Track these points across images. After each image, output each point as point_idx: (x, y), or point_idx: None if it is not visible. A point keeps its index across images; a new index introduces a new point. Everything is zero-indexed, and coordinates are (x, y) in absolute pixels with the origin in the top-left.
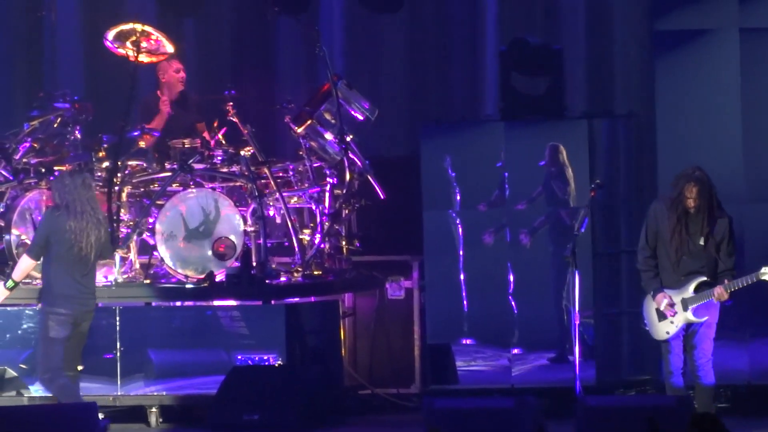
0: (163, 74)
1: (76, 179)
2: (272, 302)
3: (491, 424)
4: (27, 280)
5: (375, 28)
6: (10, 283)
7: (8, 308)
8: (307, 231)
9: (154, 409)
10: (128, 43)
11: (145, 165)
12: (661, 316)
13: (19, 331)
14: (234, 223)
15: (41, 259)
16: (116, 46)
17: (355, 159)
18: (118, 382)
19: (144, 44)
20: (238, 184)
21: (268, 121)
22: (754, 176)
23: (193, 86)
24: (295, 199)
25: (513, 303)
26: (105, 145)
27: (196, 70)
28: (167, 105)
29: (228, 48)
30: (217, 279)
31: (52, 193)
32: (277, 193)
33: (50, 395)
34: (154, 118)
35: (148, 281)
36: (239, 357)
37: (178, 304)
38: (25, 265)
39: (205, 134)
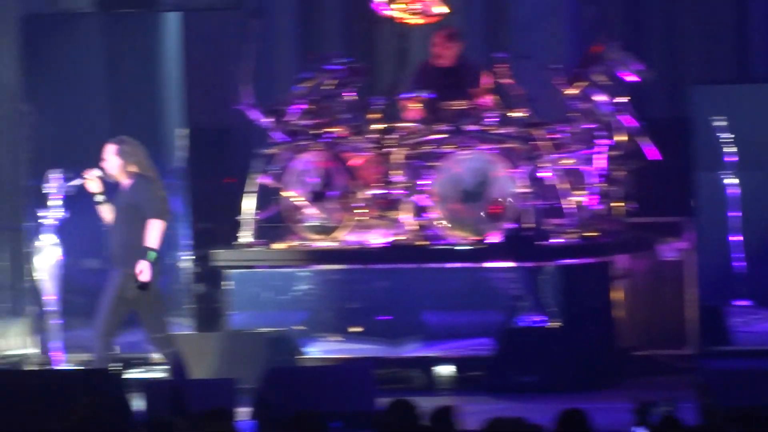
0: (441, 48)
1: None
2: (547, 264)
3: None
4: (302, 242)
5: None
6: (151, 255)
7: (283, 270)
8: (580, 193)
9: (429, 371)
10: (397, 5)
11: (419, 127)
12: None
13: (295, 293)
14: (508, 185)
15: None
16: (384, 7)
17: (628, 120)
18: (394, 344)
19: (413, 6)
20: (511, 145)
21: (540, 82)
22: None
23: (468, 47)
24: (569, 160)
25: None
26: (378, 107)
27: (475, 30)
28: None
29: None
30: (492, 241)
31: (132, 163)
32: (551, 155)
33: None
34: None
35: (422, 243)
36: (515, 319)
37: (453, 265)
38: (158, 228)
39: (481, 97)
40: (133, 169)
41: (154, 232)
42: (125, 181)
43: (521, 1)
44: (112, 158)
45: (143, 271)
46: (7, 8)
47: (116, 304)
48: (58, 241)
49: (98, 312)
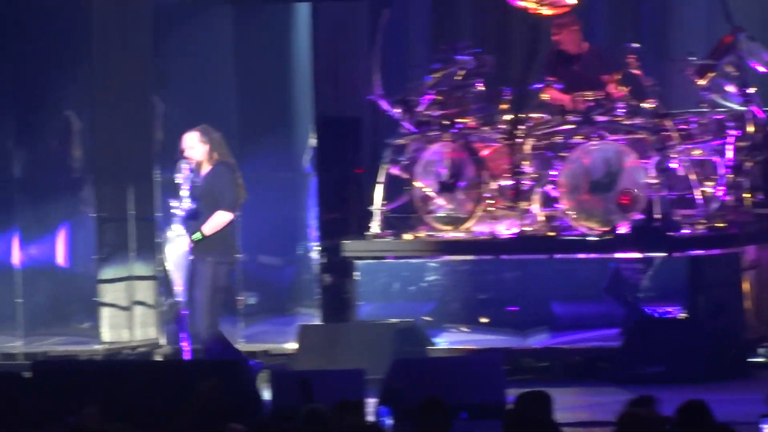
0: (558, 30)
1: None
2: (675, 254)
3: None
4: (431, 233)
5: None
6: (196, 236)
7: (412, 261)
8: (709, 183)
9: (557, 362)
10: None
11: (547, 117)
12: None
13: (423, 284)
14: (637, 176)
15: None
16: None
17: (757, 111)
18: (522, 335)
19: None
20: (640, 136)
21: (668, 73)
22: None
23: (597, 37)
24: (698, 151)
25: None
26: (507, 98)
27: (603, 21)
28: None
29: None
30: (620, 231)
31: (215, 150)
32: (680, 146)
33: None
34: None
35: (551, 233)
36: (642, 310)
37: (581, 256)
38: (223, 221)
39: (611, 87)
40: (217, 155)
41: (216, 222)
42: (207, 168)
43: None
44: (197, 145)
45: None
46: None
47: (212, 294)
48: (184, 231)
49: (196, 305)
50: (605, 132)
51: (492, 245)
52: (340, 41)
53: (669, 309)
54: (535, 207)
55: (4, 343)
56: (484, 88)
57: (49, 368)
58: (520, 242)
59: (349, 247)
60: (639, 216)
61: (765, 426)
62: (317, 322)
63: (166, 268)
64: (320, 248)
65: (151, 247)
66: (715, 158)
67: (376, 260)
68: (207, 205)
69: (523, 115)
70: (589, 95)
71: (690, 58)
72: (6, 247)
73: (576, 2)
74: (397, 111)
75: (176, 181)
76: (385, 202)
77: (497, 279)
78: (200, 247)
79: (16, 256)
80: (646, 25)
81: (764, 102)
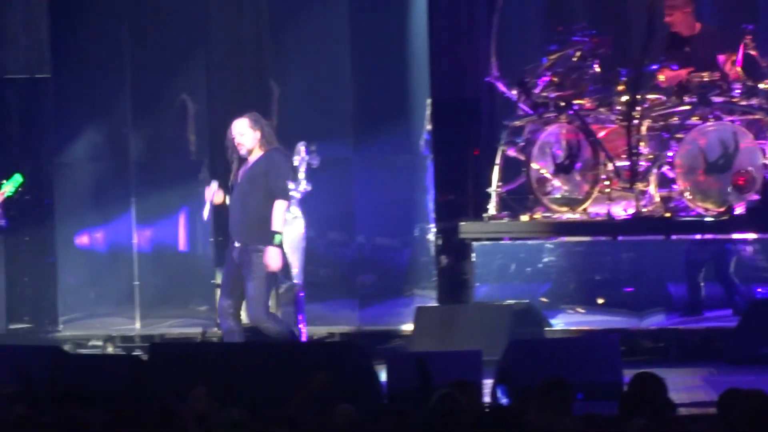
0: (670, 12)
1: None
2: None
3: None
4: (547, 214)
5: None
6: (278, 238)
7: (528, 242)
8: None
9: (673, 343)
10: None
11: (664, 99)
12: None
13: (540, 265)
14: (753, 156)
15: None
16: None
17: None
18: (639, 316)
19: None
20: (757, 117)
21: None
22: None
23: (712, 18)
24: None
25: None
26: (623, 79)
27: (718, 1)
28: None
29: None
30: (737, 212)
31: (266, 137)
32: None
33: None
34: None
35: (667, 214)
36: (759, 290)
37: (698, 237)
38: (284, 209)
39: (726, 67)
40: (267, 142)
41: (281, 214)
42: (258, 154)
43: None
44: (248, 131)
45: (273, 257)
46: None
47: (269, 282)
48: (300, 213)
49: (254, 296)
50: (721, 113)
51: (608, 226)
52: (457, 23)
53: None
54: (652, 188)
55: (121, 325)
56: (600, 70)
57: (166, 351)
58: (637, 223)
59: (466, 228)
60: (755, 197)
61: None
62: (434, 303)
63: (283, 250)
64: (437, 230)
65: None
66: None
67: (493, 242)
68: (255, 191)
69: (640, 97)
70: (705, 76)
71: None
72: (123, 231)
73: None
74: (513, 93)
75: (293, 164)
76: (501, 184)
77: (613, 260)
78: (252, 238)
79: (134, 240)
80: (762, 4)
81: None
